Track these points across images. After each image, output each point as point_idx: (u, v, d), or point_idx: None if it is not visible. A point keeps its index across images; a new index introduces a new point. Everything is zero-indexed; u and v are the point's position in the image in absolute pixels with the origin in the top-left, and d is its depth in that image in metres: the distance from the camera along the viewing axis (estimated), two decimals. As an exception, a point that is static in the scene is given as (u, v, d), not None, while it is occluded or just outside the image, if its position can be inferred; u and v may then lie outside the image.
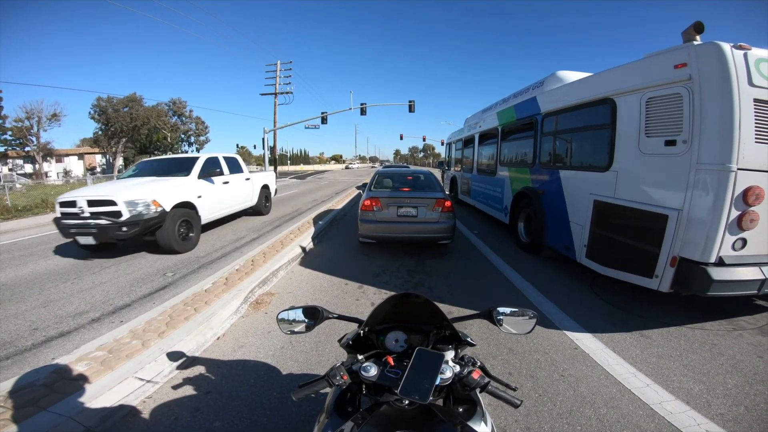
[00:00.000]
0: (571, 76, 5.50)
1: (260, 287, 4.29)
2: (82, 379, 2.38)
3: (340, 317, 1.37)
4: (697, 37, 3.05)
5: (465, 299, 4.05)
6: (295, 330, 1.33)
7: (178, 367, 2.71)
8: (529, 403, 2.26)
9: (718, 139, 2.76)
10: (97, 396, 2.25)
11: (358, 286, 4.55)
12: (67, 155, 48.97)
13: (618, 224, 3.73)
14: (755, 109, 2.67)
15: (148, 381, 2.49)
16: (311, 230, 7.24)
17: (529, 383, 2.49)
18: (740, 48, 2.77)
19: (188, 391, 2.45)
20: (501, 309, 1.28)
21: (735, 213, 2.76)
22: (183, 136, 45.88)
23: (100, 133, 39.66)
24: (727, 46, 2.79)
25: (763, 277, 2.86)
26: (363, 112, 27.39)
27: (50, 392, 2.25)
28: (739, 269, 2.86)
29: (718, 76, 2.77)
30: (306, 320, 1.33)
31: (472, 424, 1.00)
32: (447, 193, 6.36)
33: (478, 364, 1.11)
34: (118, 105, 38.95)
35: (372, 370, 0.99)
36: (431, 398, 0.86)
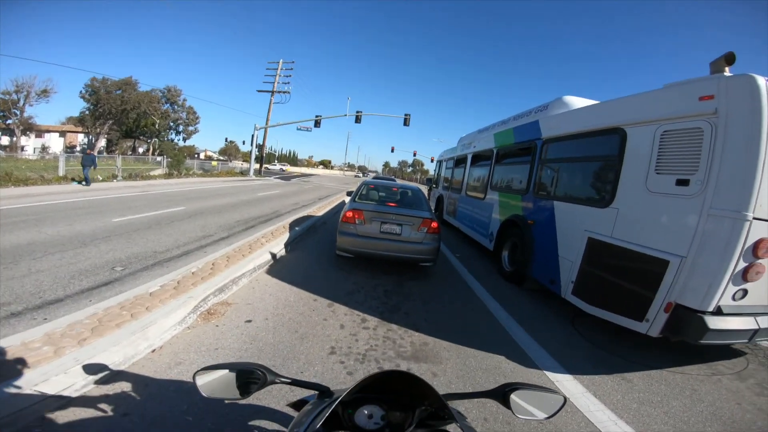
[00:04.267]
0: (577, 102, 5.26)
1: (216, 295, 3.82)
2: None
3: (295, 383, 1.04)
4: (727, 69, 2.82)
5: (442, 328, 3.75)
6: (222, 396, 0.98)
7: (96, 382, 2.27)
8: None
9: (738, 182, 2.53)
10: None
11: (328, 303, 4.15)
12: (48, 131, 47.34)
13: (611, 264, 3.52)
14: None
15: (50, 395, 2.04)
16: (286, 236, 6.79)
17: (506, 430, 2.24)
18: None
19: (101, 411, 2.04)
20: (521, 390, 0.98)
21: (742, 264, 2.59)
22: (172, 123, 45.56)
23: (87, 112, 39.21)
24: (762, 80, 2.53)
25: (756, 327, 2.78)
26: (358, 119, 27.46)
27: None
28: (735, 319, 2.75)
29: (748, 111, 2.52)
30: (238, 385, 0.98)
31: None
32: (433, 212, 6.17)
33: None
34: (112, 87, 38.66)
35: None
36: None
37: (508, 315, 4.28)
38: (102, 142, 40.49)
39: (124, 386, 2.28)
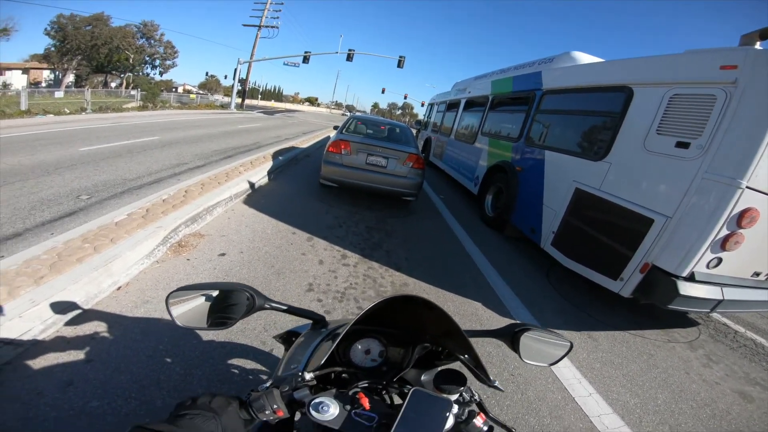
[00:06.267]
0: (585, 58, 5.16)
1: (188, 225, 3.61)
2: None
3: (290, 310, 0.91)
4: (758, 44, 2.75)
5: (422, 270, 3.75)
6: (199, 325, 0.82)
7: (54, 325, 2.06)
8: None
9: (740, 151, 2.54)
10: None
11: (307, 237, 4.03)
12: (9, 69, 42.37)
13: (596, 218, 3.54)
14: None
15: (5, 343, 1.85)
16: (266, 165, 6.51)
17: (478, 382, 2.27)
18: None
19: (62, 358, 1.86)
20: (531, 332, 0.91)
21: (724, 232, 2.63)
22: (148, 58, 43.02)
23: (53, 49, 35.85)
24: None
25: (720, 298, 2.85)
26: (350, 58, 26.49)
27: None
28: (705, 287, 2.81)
29: None
30: (220, 311, 0.83)
31: None
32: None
33: (477, 398, 0.78)
34: (81, 23, 35.31)
35: (331, 410, 0.64)
36: None
37: (488, 261, 4.32)
38: (70, 78, 37.95)
39: (85, 329, 2.08)
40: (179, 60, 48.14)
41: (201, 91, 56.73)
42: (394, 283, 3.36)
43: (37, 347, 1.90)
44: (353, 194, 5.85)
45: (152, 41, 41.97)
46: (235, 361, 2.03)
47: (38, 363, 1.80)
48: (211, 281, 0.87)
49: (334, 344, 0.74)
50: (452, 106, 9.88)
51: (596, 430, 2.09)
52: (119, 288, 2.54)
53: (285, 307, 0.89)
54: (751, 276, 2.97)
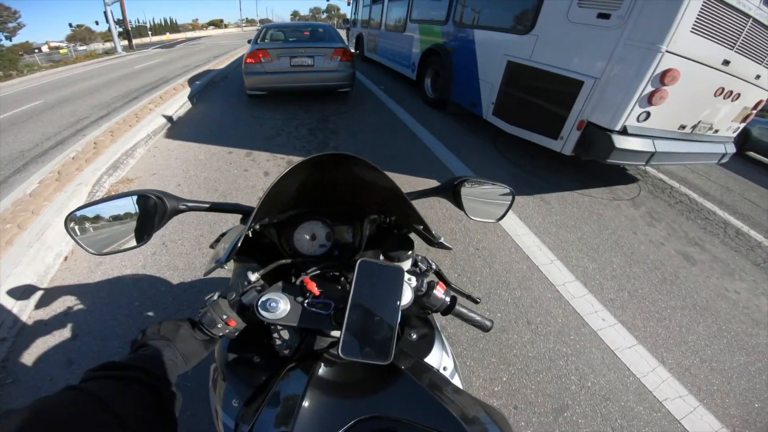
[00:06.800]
0: None
1: (110, 174, 3.27)
2: None
3: (213, 207, 0.75)
4: None
5: (374, 158, 3.64)
6: (115, 248, 0.67)
7: (21, 314, 1.93)
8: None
9: (658, 20, 2.69)
10: None
11: (245, 153, 3.81)
12: None
13: (529, 86, 3.71)
14: (704, 2, 2.60)
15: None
16: (180, 95, 5.88)
17: (448, 260, 2.38)
18: None
19: (50, 341, 1.78)
20: (469, 183, 0.83)
21: (649, 89, 2.82)
22: None
23: None
24: None
25: (653, 150, 3.09)
26: None
27: None
28: (637, 140, 3.04)
29: None
30: (130, 218, 0.68)
31: (431, 360, 0.69)
32: (352, 50, 6.13)
33: (434, 267, 0.75)
34: None
35: (281, 305, 0.57)
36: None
37: (436, 139, 4.37)
38: None
39: (57, 308, 1.98)
40: (26, 20, 40.94)
41: (72, 44, 48.15)
42: (346, 176, 3.36)
43: (22, 338, 1.82)
44: (286, 102, 5.58)
45: (-25, 7, 34.96)
46: (210, 296, 2.05)
47: (33, 351, 1.75)
48: (112, 194, 0.69)
49: (249, 222, 0.64)
50: None
51: (564, 299, 2.15)
52: (66, 258, 2.36)
53: (206, 205, 0.75)
54: (678, 129, 3.23)
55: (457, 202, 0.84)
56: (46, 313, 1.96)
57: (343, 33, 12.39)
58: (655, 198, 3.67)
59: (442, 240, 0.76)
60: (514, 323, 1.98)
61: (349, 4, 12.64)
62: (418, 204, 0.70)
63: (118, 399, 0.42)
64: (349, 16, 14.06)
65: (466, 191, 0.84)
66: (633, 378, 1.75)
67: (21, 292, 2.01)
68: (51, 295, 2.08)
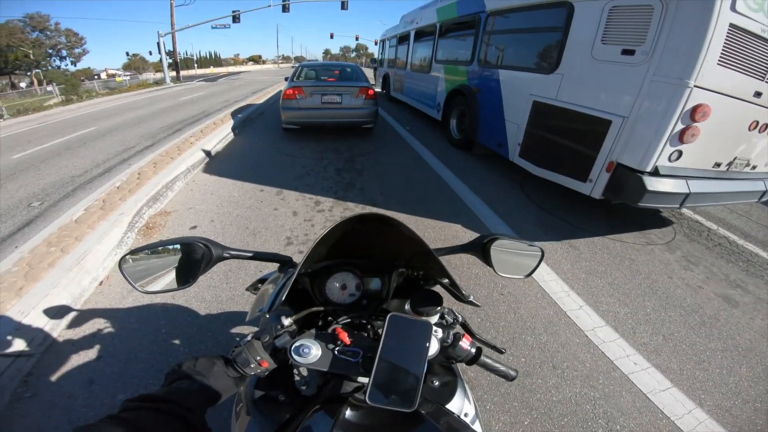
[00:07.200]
0: None
1: (150, 206, 3.46)
2: None
3: (255, 256, 0.84)
4: None
5: (399, 201, 3.79)
6: (161, 289, 0.76)
7: (52, 332, 2.04)
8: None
9: (683, 55, 2.63)
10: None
11: (276, 192, 3.95)
12: None
13: (556, 126, 3.66)
14: (728, 34, 2.54)
15: (17, 356, 1.84)
16: (220, 130, 6.28)
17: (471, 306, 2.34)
18: None
19: (75, 360, 1.87)
20: (499, 240, 0.86)
21: (680, 126, 2.74)
22: (51, 50, 39.62)
23: None
24: None
25: (687, 191, 2.94)
26: (285, 9, 24.60)
27: None
28: (670, 181, 2.92)
29: None
30: (178, 270, 0.76)
31: (453, 406, 0.70)
32: (379, 89, 6.60)
33: (460, 319, 0.77)
34: None
35: (313, 351, 0.60)
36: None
37: (461, 182, 4.38)
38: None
39: (83, 330, 2.07)
40: (90, 46, 45.58)
41: (127, 73, 52.75)
42: (371, 219, 3.41)
43: (49, 355, 1.90)
44: (316, 140, 5.88)
45: (48, 32, 38.21)
46: (233, 329, 2.07)
47: (56, 369, 1.83)
48: (163, 239, 0.78)
49: (293, 276, 0.68)
50: (403, 39, 9.77)
51: (593, 344, 2.07)
52: (101, 283, 2.48)
53: (249, 254, 0.83)
54: (713, 167, 3.09)
55: (486, 259, 0.87)
56: (75, 333, 2.05)
57: (369, 72, 12.92)
58: (691, 241, 3.47)
59: (471, 298, 0.79)
60: (539, 368, 1.89)
61: (376, 44, 13.34)
62: (445, 260, 0.73)
63: (155, 431, 0.46)
64: (376, 56, 14.91)
65: (495, 249, 0.87)
66: (666, 420, 1.64)
67: (55, 312, 2.11)
68: (83, 316, 2.18)
